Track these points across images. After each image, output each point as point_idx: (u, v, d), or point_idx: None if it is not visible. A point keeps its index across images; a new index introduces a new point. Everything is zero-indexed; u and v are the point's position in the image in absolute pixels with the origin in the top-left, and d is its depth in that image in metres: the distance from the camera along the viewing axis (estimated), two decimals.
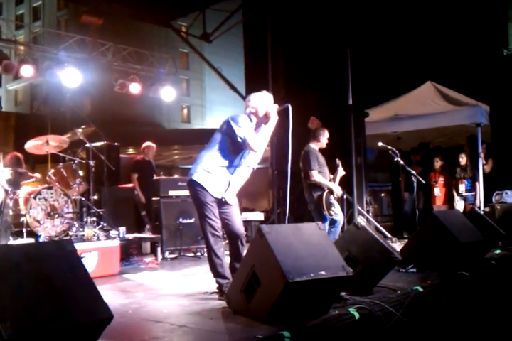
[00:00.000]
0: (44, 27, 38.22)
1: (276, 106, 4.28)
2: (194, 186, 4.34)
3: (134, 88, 10.76)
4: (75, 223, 6.73)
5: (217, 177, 4.33)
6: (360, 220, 4.52)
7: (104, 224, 7.02)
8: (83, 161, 7.50)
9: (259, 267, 3.54)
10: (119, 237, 6.61)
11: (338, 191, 6.65)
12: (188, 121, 42.65)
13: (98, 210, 7.19)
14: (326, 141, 6.85)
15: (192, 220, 7.36)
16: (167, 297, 4.62)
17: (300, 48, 9.74)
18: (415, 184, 7.37)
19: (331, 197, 6.55)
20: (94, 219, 6.96)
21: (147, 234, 7.73)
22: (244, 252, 4.15)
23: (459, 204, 9.40)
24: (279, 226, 3.91)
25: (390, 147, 7.44)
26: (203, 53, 16.48)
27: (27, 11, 43.51)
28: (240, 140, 4.20)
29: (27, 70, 9.23)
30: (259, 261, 3.57)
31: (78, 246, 5.60)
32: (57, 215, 6.60)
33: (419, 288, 4.45)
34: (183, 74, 38.34)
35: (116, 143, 9.23)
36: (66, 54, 10.10)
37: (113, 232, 6.82)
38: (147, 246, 7.64)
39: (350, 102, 8.56)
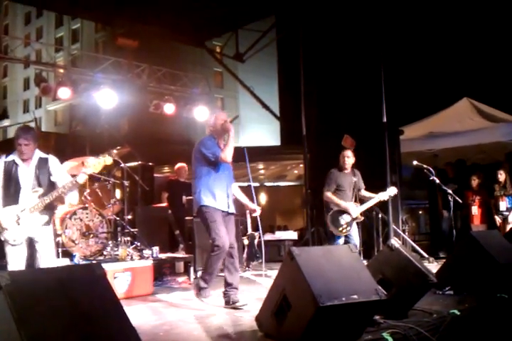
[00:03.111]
0: (82, 49, 39.26)
1: (228, 118, 5.18)
2: (204, 209, 5.02)
3: (168, 108, 10.85)
4: (109, 243, 6.79)
5: (217, 194, 5.04)
6: (394, 241, 4.43)
7: (138, 244, 7.06)
8: (118, 181, 7.59)
9: (289, 290, 3.50)
10: (152, 257, 6.63)
11: (353, 212, 6.57)
12: None
13: (132, 230, 7.25)
14: (347, 163, 6.77)
15: None
16: (198, 318, 4.60)
17: (333, 66, 9.73)
18: (452, 203, 7.23)
19: (342, 216, 6.50)
20: (128, 238, 7.00)
21: (181, 254, 7.74)
22: (237, 264, 5.09)
23: None
24: (310, 248, 3.88)
25: (425, 165, 7.33)
26: (236, 72, 16.65)
27: (66, 33, 44.81)
28: (213, 159, 5.02)
29: (64, 92, 9.40)
30: (289, 284, 3.53)
31: (112, 267, 5.71)
32: (92, 235, 6.70)
33: (456, 312, 4.33)
34: (218, 92, 38.72)
35: (150, 163, 9.32)
36: (102, 76, 10.27)
37: (147, 252, 6.85)
38: (180, 266, 7.63)
39: (385, 120, 8.48)
